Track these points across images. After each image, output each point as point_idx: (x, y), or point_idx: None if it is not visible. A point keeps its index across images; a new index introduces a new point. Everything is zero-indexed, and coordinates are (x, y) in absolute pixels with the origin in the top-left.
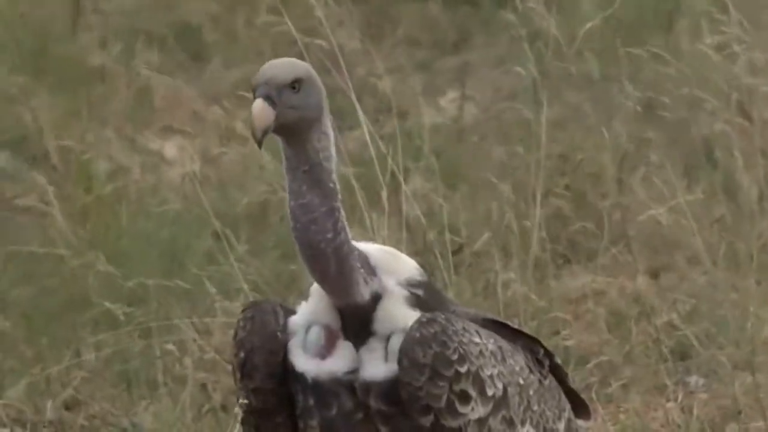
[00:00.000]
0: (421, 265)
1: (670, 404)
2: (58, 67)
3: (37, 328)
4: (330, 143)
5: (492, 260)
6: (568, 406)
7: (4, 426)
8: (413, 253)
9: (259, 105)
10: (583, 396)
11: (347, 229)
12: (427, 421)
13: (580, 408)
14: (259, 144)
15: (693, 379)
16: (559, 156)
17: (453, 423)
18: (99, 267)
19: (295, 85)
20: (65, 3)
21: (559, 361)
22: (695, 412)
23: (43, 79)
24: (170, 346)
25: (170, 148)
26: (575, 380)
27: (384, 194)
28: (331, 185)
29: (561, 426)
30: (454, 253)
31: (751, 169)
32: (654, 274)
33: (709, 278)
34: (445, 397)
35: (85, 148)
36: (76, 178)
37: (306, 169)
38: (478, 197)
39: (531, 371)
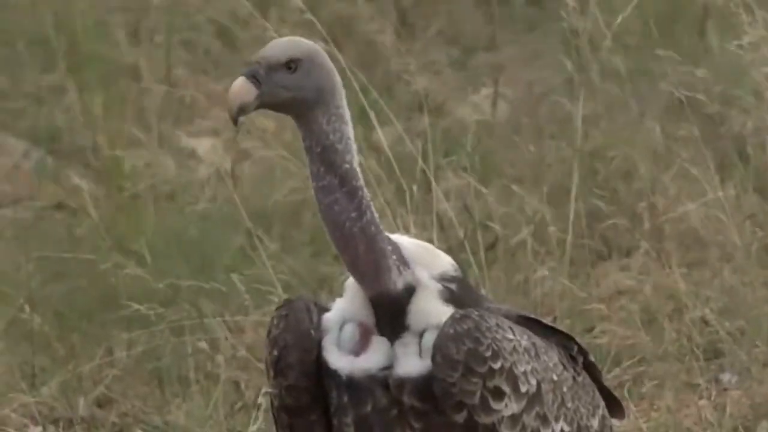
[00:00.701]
0: (456, 261)
1: (702, 402)
2: (91, 65)
3: (70, 326)
4: (344, 124)
5: (526, 256)
6: (602, 404)
7: (37, 423)
8: (446, 249)
9: (237, 82)
10: (616, 393)
11: (373, 210)
12: (460, 417)
13: (614, 406)
14: (234, 121)
15: (726, 377)
16: (592, 152)
17: (486, 420)
18: (129, 270)
19: (291, 65)
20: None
21: (592, 358)
22: (728, 409)
23: (76, 77)
24: (202, 344)
25: (203, 146)
26: (608, 378)
27: (416, 190)
28: (347, 166)
29: (595, 422)
30: (488, 248)
31: None
32: (687, 271)
33: (742, 275)
34: (478, 394)
35: (118, 146)
36: (109, 176)
37: (318, 150)
38: (512, 193)
39: (565, 368)
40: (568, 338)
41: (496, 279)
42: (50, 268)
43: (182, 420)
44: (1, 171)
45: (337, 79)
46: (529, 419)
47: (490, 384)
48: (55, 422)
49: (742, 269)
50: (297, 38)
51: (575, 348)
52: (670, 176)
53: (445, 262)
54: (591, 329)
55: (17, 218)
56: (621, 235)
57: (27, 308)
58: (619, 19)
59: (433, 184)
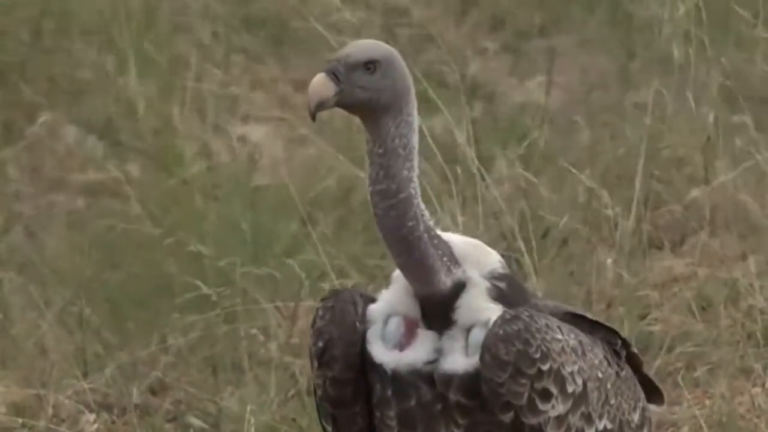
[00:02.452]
0: (507, 254)
1: (756, 389)
2: (146, 53)
3: (123, 313)
4: (411, 131)
5: (580, 245)
6: (642, 396)
7: (91, 410)
8: (499, 236)
9: (318, 79)
10: (669, 380)
11: (428, 216)
12: (507, 417)
13: (654, 393)
14: (313, 117)
15: None
16: (642, 137)
17: (533, 420)
18: (189, 248)
19: (370, 66)
20: None
21: (635, 349)
22: None
23: (132, 63)
24: (255, 331)
25: (256, 133)
26: (660, 365)
27: (465, 178)
28: (405, 173)
29: (635, 416)
30: (542, 236)
31: None
32: (742, 258)
33: None
34: (526, 395)
35: (171, 133)
36: (162, 163)
37: (381, 152)
38: (565, 181)
39: (609, 364)
40: (613, 333)
41: (549, 268)
42: (103, 255)
43: (236, 407)
44: (55, 157)
45: (411, 84)
46: (575, 419)
47: (539, 386)
48: (108, 409)
49: None
50: (376, 41)
51: (619, 342)
52: (724, 164)
53: (494, 260)
54: (645, 316)
55: (71, 205)
56: (675, 223)
57: (80, 295)
58: (681, 11)
59: (483, 173)
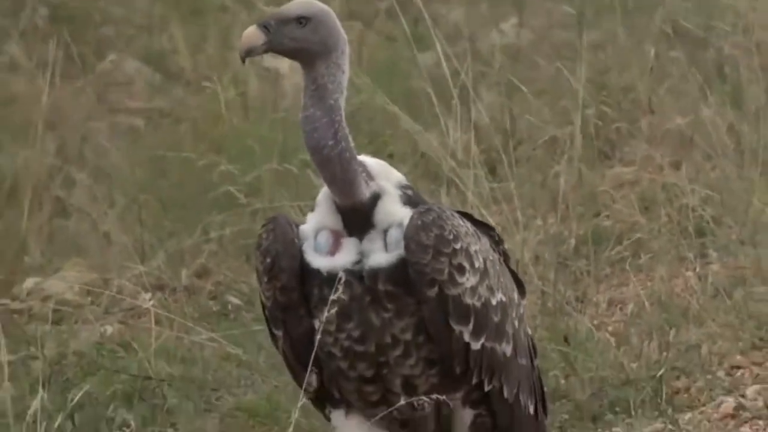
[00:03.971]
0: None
1: (689, 273)
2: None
3: (173, 211)
4: (341, 72)
5: (547, 157)
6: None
7: (147, 291)
8: (480, 151)
9: (249, 30)
10: (618, 266)
11: (349, 139)
12: (432, 292)
13: (519, 287)
14: (242, 60)
15: (708, 253)
16: (599, 71)
17: (454, 291)
18: (222, 166)
19: (302, 20)
20: None
21: (505, 247)
22: (710, 279)
23: (178, 9)
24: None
25: (283, 66)
26: (609, 255)
27: (455, 103)
28: (331, 102)
29: (515, 296)
30: (514, 149)
31: (754, 83)
32: (677, 167)
33: (721, 171)
34: (446, 271)
35: (212, 66)
36: (205, 90)
37: (313, 88)
38: (533, 106)
39: (494, 250)
40: (492, 228)
41: (522, 175)
42: (157, 165)
43: None
44: (119, 86)
45: (342, 37)
46: (483, 290)
47: (455, 261)
48: (161, 289)
49: (720, 166)
50: (311, 1)
51: (496, 236)
52: (663, 90)
53: (400, 175)
54: (598, 214)
55: (131, 124)
56: (623, 138)
57: (138, 197)
58: None
59: (472, 93)
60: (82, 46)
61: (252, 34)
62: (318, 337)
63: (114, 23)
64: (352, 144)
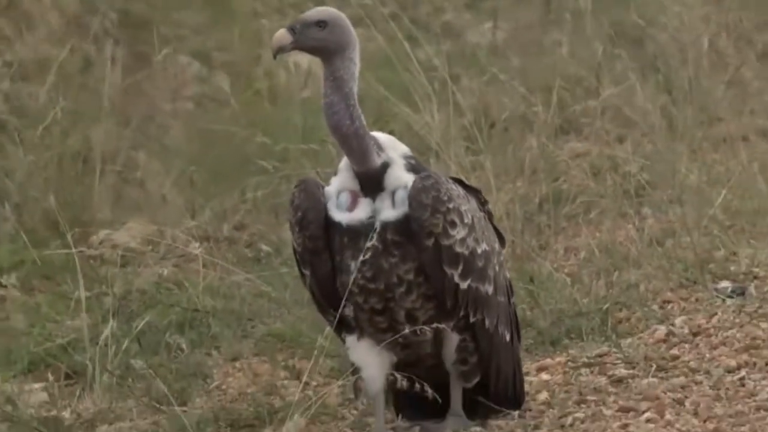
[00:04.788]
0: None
1: (629, 226)
2: (230, 6)
3: (217, 177)
4: (354, 65)
5: (516, 132)
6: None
7: (196, 240)
8: (461, 128)
9: (280, 31)
10: (573, 221)
11: (362, 118)
12: (429, 242)
13: (500, 239)
14: (274, 56)
15: (645, 210)
16: (558, 64)
17: (447, 242)
18: (257, 138)
19: (321, 24)
20: None
21: (489, 207)
22: (646, 231)
23: (220, 14)
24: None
25: (305, 59)
26: (566, 211)
27: (441, 90)
28: (347, 90)
29: (496, 246)
30: (490, 127)
31: (681, 73)
32: (620, 141)
33: (654, 145)
34: (441, 225)
35: (249, 61)
36: (243, 79)
37: (331, 79)
38: (508, 90)
39: (481, 210)
40: (478, 191)
41: (496, 147)
42: (205, 140)
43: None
44: (173, 76)
45: (354, 36)
46: (470, 241)
47: (448, 218)
48: (207, 239)
49: (654, 141)
50: (329, 8)
51: (482, 198)
52: (608, 81)
53: (404, 147)
54: (557, 179)
55: (183, 107)
56: (577, 118)
57: (189, 165)
58: None
59: (450, 84)
60: (143, 45)
61: (281, 36)
62: (345, 277)
63: (169, 26)
64: (365, 122)
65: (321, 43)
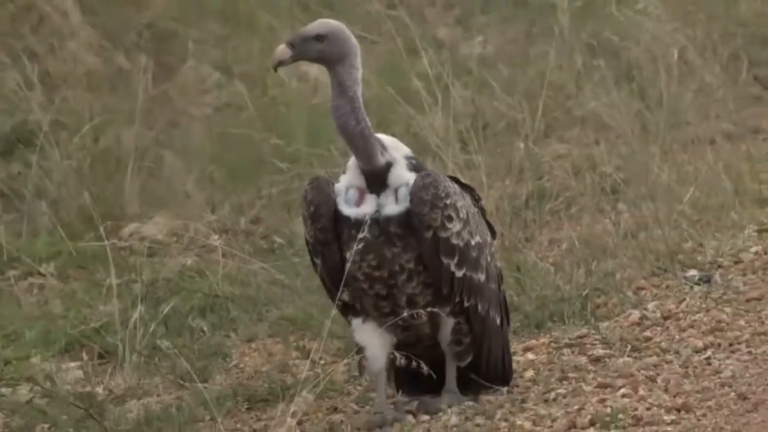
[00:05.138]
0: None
1: (607, 221)
2: (252, 22)
3: (235, 175)
4: (356, 71)
5: (506, 135)
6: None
7: (216, 233)
8: (457, 132)
9: (279, 47)
10: (556, 216)
11: (367, 120)
12: (428, 234)
13: (492, 232)
14: (274, 69)
15: (620, 206)
16: (542, 73)
17: (444, 234)
18: (272, 140)
19: (320, 37)
20: None
21: (483, 204)
22: (621, 225)
23: (238, 29)
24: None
25: (313, 68)
26: (549, 207)
27: (439, 96)
28: (351, 94)
29: (488, 238)
30: (483, 129)
31: (654, 82)
32: (597, 143)
33: (629, 147)
34: (439, 219)
35: (262, 70)
36: (259, 87)
37: (336, 84)
38: (498, 98)
39: (475, 206)
40: (472, 189)
41: (488, 149)
42: (224, 141)
43: (303, 231)
44: (195, 85)
45: (353, 44)
46: (465, 234)
47: (446, 213)
48: (226, 232)
49: (629, 143)
50: (328, 20)
51: (476, 195)
52: (588, 89)
53: (406, 148)
54: (541, 177)
55: (204, 112)
56: (560, 122)
57: (210, 164)
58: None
59: (452, 91)
60: (169, 56)
61: (281, 50)
62: (348, 266)
63: (192, 40)
64: (369, 123)
65: (320, 54)
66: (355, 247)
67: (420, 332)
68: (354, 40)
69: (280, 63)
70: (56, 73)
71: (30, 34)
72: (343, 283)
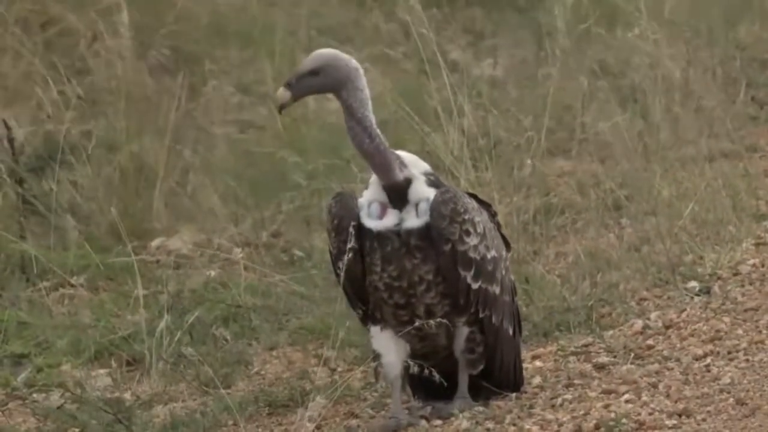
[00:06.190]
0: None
1: (611, 234)
2: (269, 44)
3: (256, 190)
4: (361, 92)
5: (514, 153)
6: (503, 243)
7: (238, 246)
8: (469, 150)
9: (279, 91)
10: (562, 230)
11: (381, 137)
12: (447, 247)
13: (507, 246)
14: (279, 112)
15: (623, 221)
16: (548, 95)
17: (462, 248)
18: (291, 159)
19: (313, 72)
20: None
21: (498, 219)
22: (625, 239)
23: (258, 52)
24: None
25: None
26: (556, 222)
27: (453, 116)
28: (359, 115)
29: (503, 252)
30: (493, 148)
31: (655, 104)
32: (601, 162)
33: (632, 165)
34: (457, 233)
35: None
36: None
37: (345, 108)
38: (507, 117)
39: (491, 221)
40: (489, 205)
41: (496, 165)
42: (246, 159)
43: (321, 245)
44: (218, 106)
45: (352, 68)
46: (481, 248)
47: (464, 228)
48: (248, 245)
49: (632, 162)
50: (322, 53)
51: (493, 210)
52: (592, 109)
53: (425, 165)
54: (548, 193)
55: (228, 132)
56: (565, 141)
57: (231, 182)
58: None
59: (465, 109)
60: (193, 77)
61: (281, 94)
62: (369, 276)
63: (214, 61)
64: (384, 139)
65: (320, 87)
66: (368, 259)
67: (437, 343)
68: (353, 63)
69: (282, 106)
70: (95, 91)
71: (72, 51)
72: (365, 292)
